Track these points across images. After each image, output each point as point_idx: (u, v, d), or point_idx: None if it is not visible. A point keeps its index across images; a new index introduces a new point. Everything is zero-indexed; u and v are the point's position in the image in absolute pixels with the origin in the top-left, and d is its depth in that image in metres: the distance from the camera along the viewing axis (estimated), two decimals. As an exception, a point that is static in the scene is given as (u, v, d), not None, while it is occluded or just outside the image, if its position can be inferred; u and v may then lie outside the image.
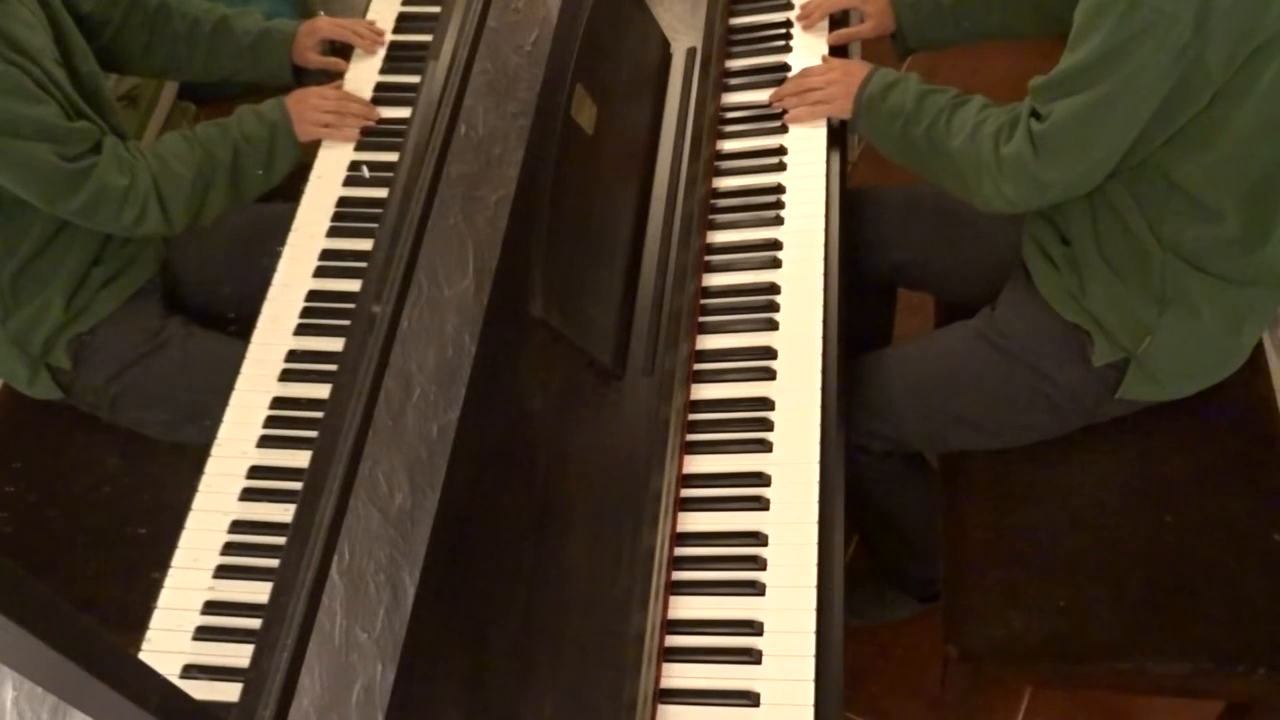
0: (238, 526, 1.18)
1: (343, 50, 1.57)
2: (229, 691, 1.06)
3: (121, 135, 1.26)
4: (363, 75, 1.55)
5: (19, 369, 1.23)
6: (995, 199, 1.33)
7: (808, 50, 1.64)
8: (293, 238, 1.41)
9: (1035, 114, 1.26)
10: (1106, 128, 1.20)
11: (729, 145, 1.57)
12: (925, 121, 1.39)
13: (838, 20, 1.68)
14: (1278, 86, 1.15)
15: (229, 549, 1.17)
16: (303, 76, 1.50)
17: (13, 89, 1.13)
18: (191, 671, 1.09)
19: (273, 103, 1.43)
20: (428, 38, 1.55)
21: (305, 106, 1.44)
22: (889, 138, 1.46)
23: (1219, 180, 1.23)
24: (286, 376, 1.29)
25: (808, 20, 1.66)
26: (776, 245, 1.44)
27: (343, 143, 1.47)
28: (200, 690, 0.97)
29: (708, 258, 1.45)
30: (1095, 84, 1.18)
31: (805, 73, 1.57)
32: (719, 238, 1.47)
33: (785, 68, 1.63)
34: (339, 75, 1.55)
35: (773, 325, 1.37)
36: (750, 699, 1.10)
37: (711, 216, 1.49)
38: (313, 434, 1.22)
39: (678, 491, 1.25)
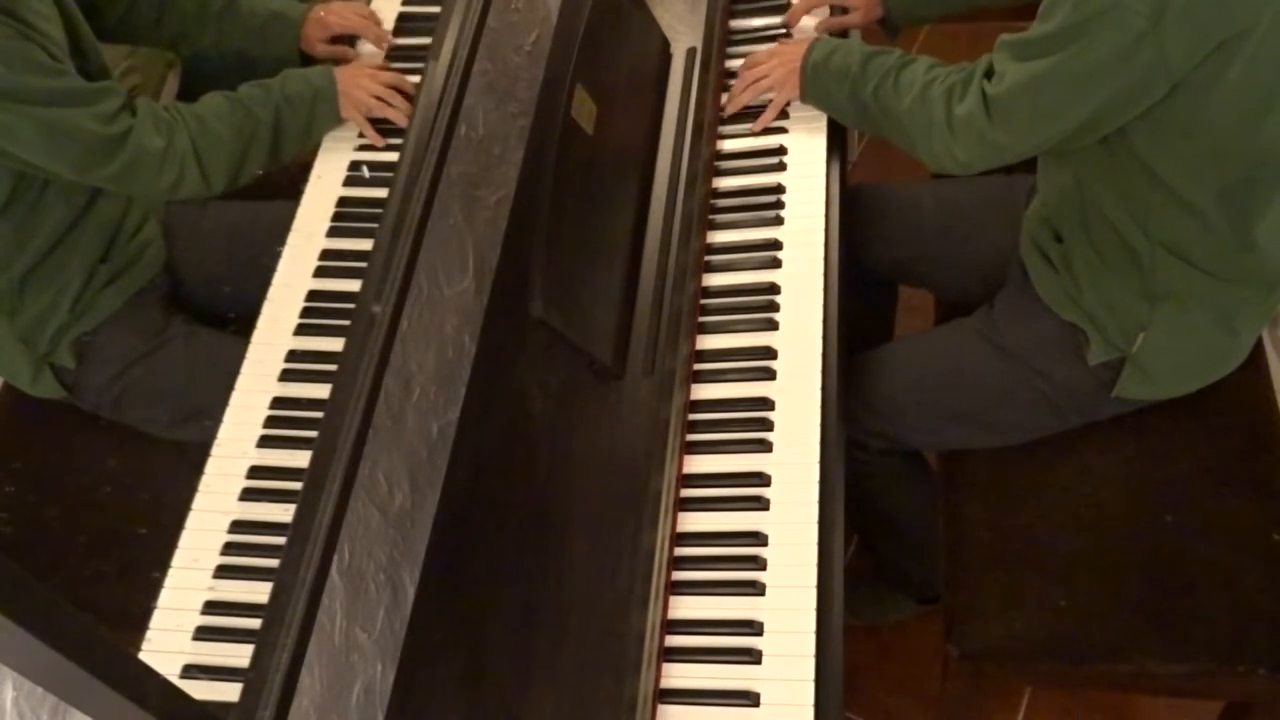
0: (238, 526, 1.18)
1: (348, 38, 1.57)
2: (229, 691, 1.06)
3: None
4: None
5: (23, 367, 1.23)
6: (945, 159, 1.33)
7: (808, 50, 1.64)
8: (293, 238, 1.41)
9: (988, 74, 1.27)
10: (1057, 100, 1.21)
11: (729, 145, 1.57)
12: (873, 82, 1.40)
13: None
14: (1247, 83, 1.14)
15: (229, 549, 1.17)
16: (309, 63, 1.50)
17: (33, 65, 1.13)
18: (191, 671, 1.09)
19: (320, 69, 1.44)
20: (428, 39, 1.56)
21: (354, 84, 1.45)
22: (840, 101, 1.47)
23: (1197, 176, 1.23)
24: (286, 376, 1.29)
25: (791, 21, 1.66)
26: (776, 245, 1.44)
27: (375, 142, 1.47)
28: (200, 690, 0.97)
29: (708, 258, 1.45)
30: (1052, 53, 1.18)
31: (748, 64, 1.58)
32: (719, 238, 1.47)
33: (785, 68, 1.62)
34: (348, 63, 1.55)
35: (773, 325, 1.37)
36: (750, 699, 1.10)
37: (711, 216, 1.49)
38: (313, 434, 1.22)
39: (678, 491, 1.25)
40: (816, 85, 1.49)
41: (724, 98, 1.61)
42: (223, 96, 1.34)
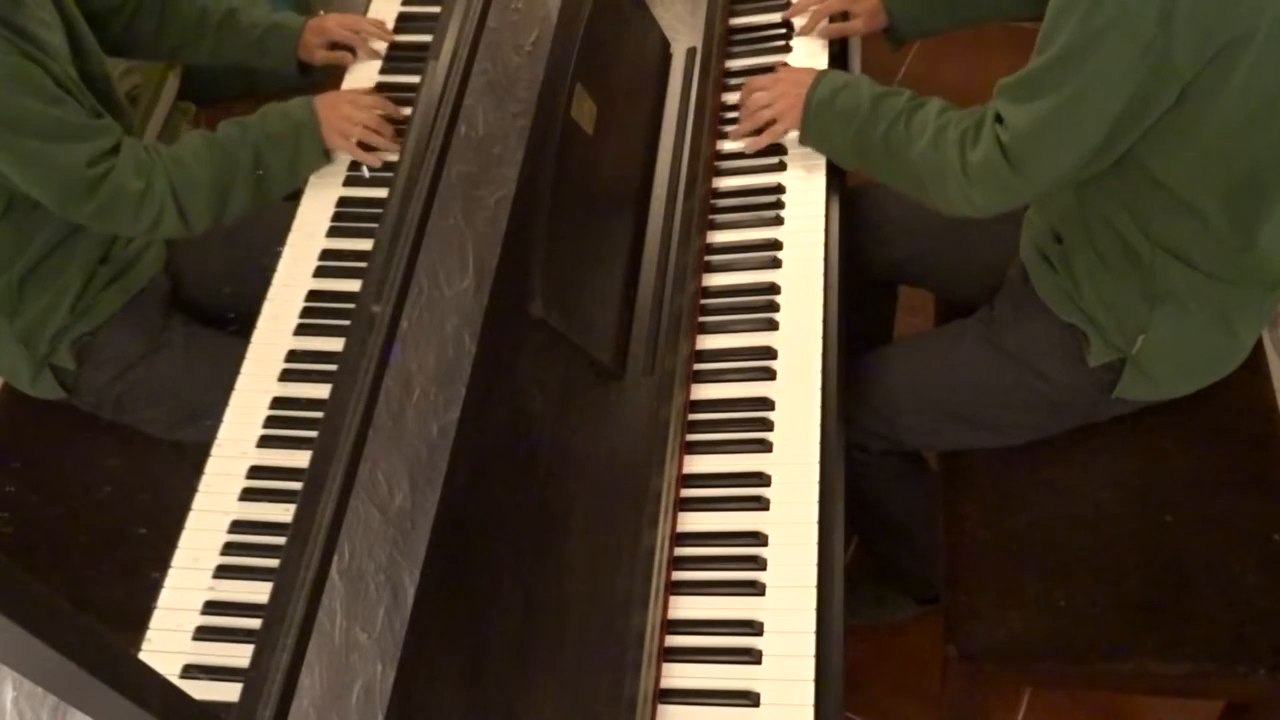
0: (238, 526, 1.18)
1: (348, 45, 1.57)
2: (229, 691, 1.06)
3: (131, 135, 1.26)
4: (363, 75, 1.55)
5: (23, 368, 1.23)
6: (962, 204, 1.32)
7: (807, 51, 1.64)
8: (293, 238, 1.41)
9: (999, 118, 1.25)
10: (1075, 129, 1.19)
11: (729, 145, 1.57)
12: (883, 125, 1.38)
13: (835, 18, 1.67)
14: (1252, 85, 1.14)
15: (229, 549, 1.17)
16: (308, 72, 1.50)
17: (35, 87, 1.13)
18: (191, 671, 1.09)
19: (300, 102, 1.43)
20: (428, 38, 1.56)
21: (336, 114, 1.43)
22: (842, 141, 1.44)
23: (1201, 179, 1.23)
24: (286, 376, 1.29)
25: (805, 29, 1.66)
26: (776, 245, 1.44)
27: (367, 162, 1.46)
28: (200, 690, 0.97)
29: (708, 258, 1.45)
30: (1062, 85, 1.17)
31: (750, 88, 1.55)
32: (719, 238, 1.47)
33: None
34: (344, 70, 1.55)
35: (773, 325, 1.37)
36: (750, 699, 1.10)
37: (711, 216, 1.49)
38: (313, 434, 1.22)
39: (678, 491, 1.25)
40: (819, 122, 1.46)
41: (726, 96, 1.61)
42: (201, 137, 1.33)
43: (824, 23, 1.65)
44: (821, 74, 1.49)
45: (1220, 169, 1.22)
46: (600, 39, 1.45)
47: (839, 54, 1.65)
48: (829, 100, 1.45)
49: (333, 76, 1.54)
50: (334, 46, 1.53)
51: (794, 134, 1.53)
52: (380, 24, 1.59)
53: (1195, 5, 1.08)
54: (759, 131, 1.53)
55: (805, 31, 1.65)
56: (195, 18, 1.40)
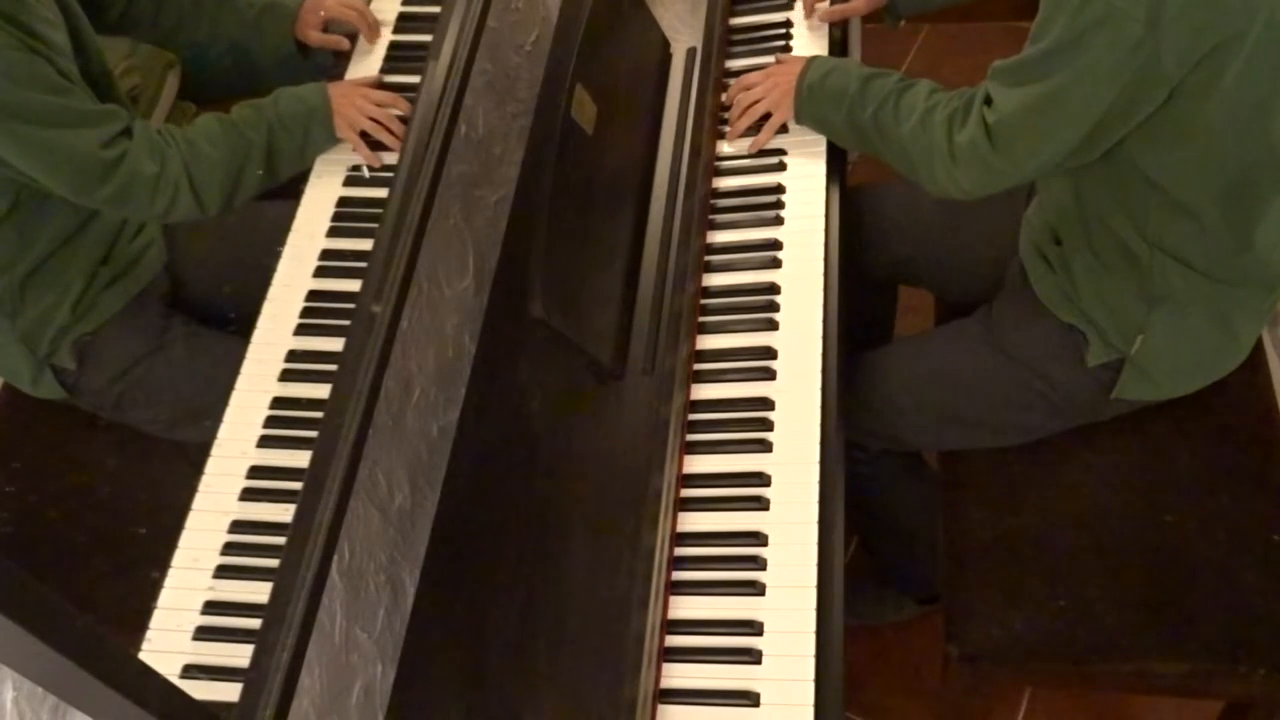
0: (238, 526, 1.18)
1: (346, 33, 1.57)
2: (229, 691, 1.06)
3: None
4: (363, 75, 1.55)
5: (23, 369, 1.23)
6: (949, 186, 1.33)
7: (807, 50, 1.64)
8: (293, 238, 1.41)
9: (988, 100, 1.26)
10: (1060, 120, 1.20)
11: (729, 149, 1.57)
12: (872, 106, 1.39)
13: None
14: (1244, 86, 1.14)
15: (229, 549, 1.17)
16: (306, 53, 1.51)
17: (37, 80, 1.13)
18: (191, 671, 1.09)
19: (314, 87, 1.44)
20: (428, 38, 1.56)
21: (348, 103, 1.45)
22: (836, 121, 1.46)
23: (1195, 179, 1.23)
24: (286, 376, 1.29)
25: (807, 11, 1.66)
26: (776, 245, 1.44)
27: (368, 160, 1.46)
28: (200, 690, 0.97)
29: (708, 258, 1.45)
30: (1050, 76, 1.18)
31: (741, 84, 1.56)
32: (719, 238, 1.48)
33: (785, 68, 1.62)
34: (340, 52, 1.55)
35: (773, 325, 1.37)
36: (750, 699, 1.10)
37: (711, 216, 1.49)
38: (313, 434, 1.22)
39: (678, 491, 1.25)
40: (812, 105, 1.49)
41: (724, 96, 1.61)
42: (215, 119, 1.34)
43: (825, 4, 1.66)
44: (811, 59, 1.51)
45: (1214, 170, 1.22)
46: (600, 39, 1.45)
47: (839, 54, 1.65)
48: (819, 83, 1.47)
49: (333, 75, 1.54)
50: (331, 29, 1.53)
51: (793, 133, 1.54)
52: (369, 12, 1.59)
53: (1184, 7, 1.08)
54: (756, 128, 1.54)
55: (807, 14, 1.66)
56: (192, 1, 1.40)
